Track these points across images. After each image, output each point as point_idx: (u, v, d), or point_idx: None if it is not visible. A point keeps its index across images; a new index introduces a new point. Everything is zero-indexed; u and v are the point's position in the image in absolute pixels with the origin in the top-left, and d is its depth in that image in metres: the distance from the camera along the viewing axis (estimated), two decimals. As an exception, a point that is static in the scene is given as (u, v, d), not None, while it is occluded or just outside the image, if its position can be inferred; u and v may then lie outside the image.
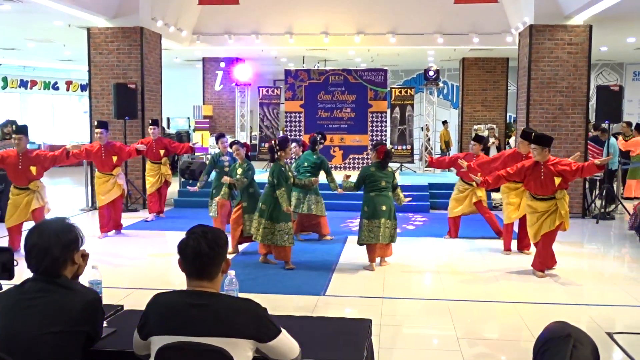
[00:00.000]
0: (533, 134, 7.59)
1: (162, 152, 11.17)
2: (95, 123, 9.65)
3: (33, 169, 8.17)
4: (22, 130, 8.33)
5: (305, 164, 9.22)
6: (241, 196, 8.27)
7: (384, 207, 7.49)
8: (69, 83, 24.53)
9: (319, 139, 9.40)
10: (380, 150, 7.62)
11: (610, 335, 5.29)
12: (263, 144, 16.94)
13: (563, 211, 7.12)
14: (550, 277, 7.36)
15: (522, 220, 8.33)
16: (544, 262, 7.40)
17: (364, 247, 7.70)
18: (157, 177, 11.22)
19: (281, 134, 17.70)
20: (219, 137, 9.85)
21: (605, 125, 11.71)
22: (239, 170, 8.27)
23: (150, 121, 11.45)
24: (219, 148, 9.74)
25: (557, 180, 7.08)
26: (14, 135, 8.32)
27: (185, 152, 11.76)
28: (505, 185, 8.29)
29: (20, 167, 8.12)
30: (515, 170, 7.33)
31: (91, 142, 12.48)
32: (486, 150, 16.67)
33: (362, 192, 7.77)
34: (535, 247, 7.53)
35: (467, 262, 8.09)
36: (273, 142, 7.73)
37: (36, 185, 8.26)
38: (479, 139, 9.36)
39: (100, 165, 9.48)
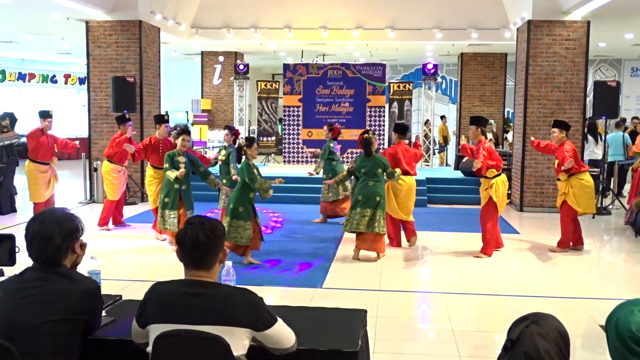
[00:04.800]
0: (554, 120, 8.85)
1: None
2: (128, 116, 9.93)
3: (54, 145, 9.56)
4: (51, 114, 9.65)
5: None
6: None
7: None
8: (67, 76, 24.50)
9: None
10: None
11: (604, 328, 5.33)
12: (261, 138, 16.97)
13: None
14: (545, 270, 7.42)
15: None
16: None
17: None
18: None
19: (279, 128, 17.73)
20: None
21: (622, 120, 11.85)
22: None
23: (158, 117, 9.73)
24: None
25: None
26: (48, 119, 9.46)
27: None
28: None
29: (49, 145, 9.42)
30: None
31: (90, 135, 12.54)
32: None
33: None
34: None
35: (463, 256, 8.13)
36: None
37: (54, 162, 9.56)
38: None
39: (124, 157, 9.63)
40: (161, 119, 9.27)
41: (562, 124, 8.44)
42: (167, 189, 8.11)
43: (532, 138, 9.24)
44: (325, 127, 10.61)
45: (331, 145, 10.20)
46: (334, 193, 9.99)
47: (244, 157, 7.43)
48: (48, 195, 9.53)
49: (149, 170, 9.20)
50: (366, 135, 7.97)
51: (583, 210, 8.19)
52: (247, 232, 7.25)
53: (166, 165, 8.03)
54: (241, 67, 16.58)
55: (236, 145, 8.38)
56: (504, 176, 8.03)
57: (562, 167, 8.07)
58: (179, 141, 8.11)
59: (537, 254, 8.31)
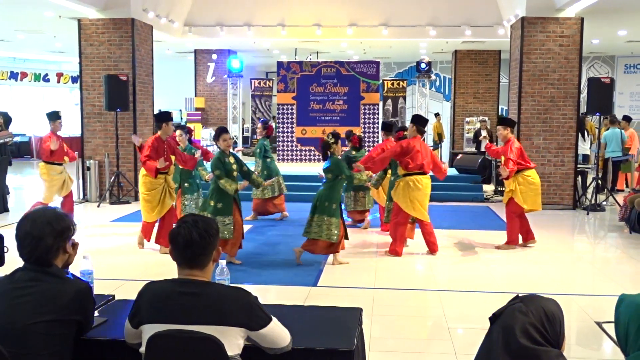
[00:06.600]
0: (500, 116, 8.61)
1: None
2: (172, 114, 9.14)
3: (65, 145, 9.60)
4: (60, 115, 9.58)
5: None
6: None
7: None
8: (59, 75, 24.38)
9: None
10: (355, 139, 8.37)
11: (599, 324, 5.34)
12: (254, 136, 16.93)
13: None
14: (540, 266, 7.42)
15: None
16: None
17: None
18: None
19: (273, 126, 17.67)
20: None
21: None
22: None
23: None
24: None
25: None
26: (58, 121, 9.43)
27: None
28: None
29: (61, 145, 9.45)
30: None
31: (82, 134, 12.46)
32: (478, 144, 16.67)
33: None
34: None
35: (458, 253, 8.12)
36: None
37: (67, 161, 9.63)
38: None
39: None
40: (167, 117, 7.97)
41: (507, 121, 8.54)
42: (218, 194, 7.16)
43: (487, 142, 9.49)
44: (259, 125, 10.60)
45: (265, 143, 10.23)
46: (271, 189, 10.06)
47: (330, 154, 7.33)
48: (63, 194, 9.67)
49: (146, 177, 7.80)
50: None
51: (529, 208, 8.15)
52: (336, 229, 7.18)
53: (217, 172, 7.08)
54: (235, 64, 16.49)
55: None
56: (419, 177, 7.70)
57: (500, 168, 8.11)
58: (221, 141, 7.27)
59: (532, 250, 8.30)
